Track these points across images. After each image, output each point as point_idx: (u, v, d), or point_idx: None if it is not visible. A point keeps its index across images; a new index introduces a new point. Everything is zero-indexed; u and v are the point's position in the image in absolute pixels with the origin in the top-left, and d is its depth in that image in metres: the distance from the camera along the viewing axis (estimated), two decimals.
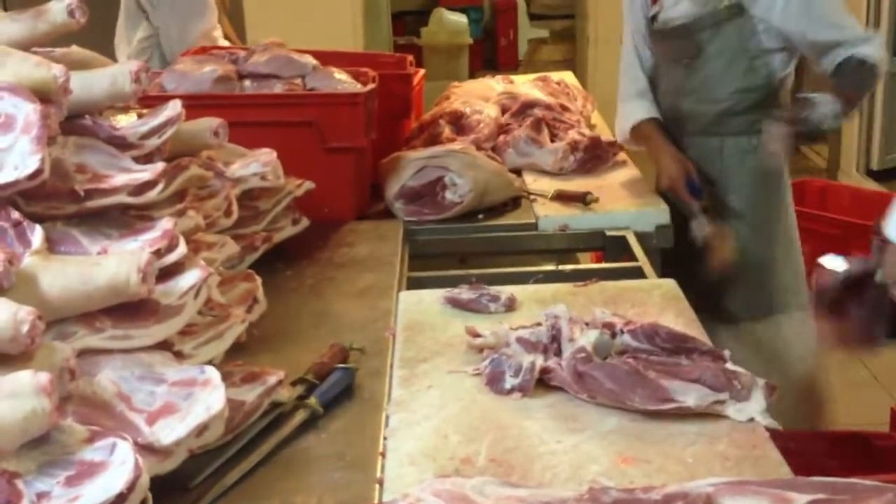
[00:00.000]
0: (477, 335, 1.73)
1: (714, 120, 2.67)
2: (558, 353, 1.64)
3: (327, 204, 2.41)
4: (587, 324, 1.68)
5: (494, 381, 1.61)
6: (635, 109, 2.79)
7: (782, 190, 2.72)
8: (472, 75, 7.63)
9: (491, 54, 9.61)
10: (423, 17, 9.07)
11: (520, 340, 1.67)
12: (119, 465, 1.13)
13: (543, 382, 1.60)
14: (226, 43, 3.83)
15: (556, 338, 1.65)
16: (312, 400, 1.56)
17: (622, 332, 1.64)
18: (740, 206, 2.66)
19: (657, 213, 2.50)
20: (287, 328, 1.89)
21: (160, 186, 1.54)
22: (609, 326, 1.65)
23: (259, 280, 1.83)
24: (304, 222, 2.28)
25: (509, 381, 1.60)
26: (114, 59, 3.83)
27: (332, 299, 2.04)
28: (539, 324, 1.71)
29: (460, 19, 8.91)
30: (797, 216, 3.99)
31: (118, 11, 4.02)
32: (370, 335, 1.84)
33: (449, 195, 2.51)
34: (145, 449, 1.25)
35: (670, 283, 2.00)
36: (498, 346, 1.68)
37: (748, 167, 2.67)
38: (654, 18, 2.72)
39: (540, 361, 1.62)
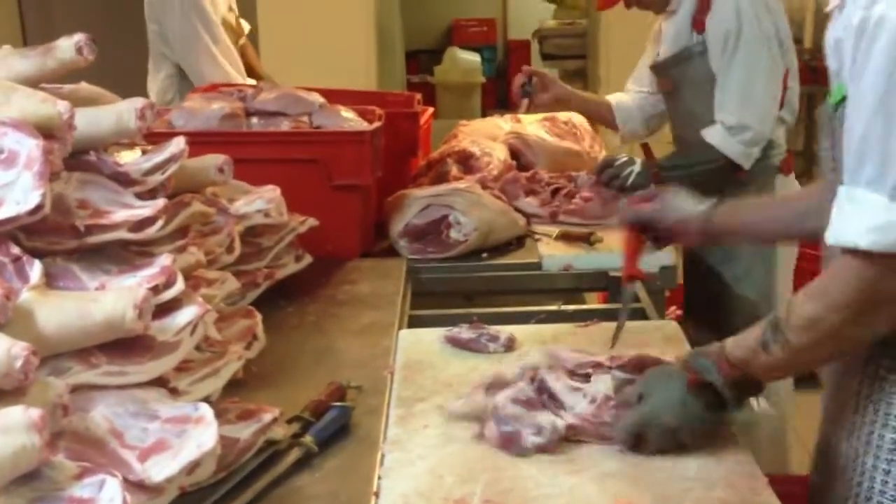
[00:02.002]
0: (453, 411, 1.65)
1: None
2: (558, 405, 1.61)
3: (331, 241, 2.42)
4: (572, 370, 1.66)
5: (510, 443, 1.53)
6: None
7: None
8: (485, 113, 7.67)
9: (504, 93, 9.65)
10: (436, 55, 9.14)
11: (516, 402, 1.59)
12: (107, 502, 1.13)
13: None
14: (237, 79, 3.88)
15: (542, 390, 1.62)
16: (307, 438, 1.55)
17: (611, 368, 1.64)
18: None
19: (661, 255, 2.48)
20: (287, 365, 1.89)
21: (160, 223, 1.55)
22: (598, 366, 1.65)
23: (259, 317, 1.83)
24: (307, 259, 2.28)
25: (531, 440, 1.53)
26: (133, 93, 3.92)
27: (332, 337, 2.04)
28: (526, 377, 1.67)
29: (473, 58, 8.98)
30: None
31: (132, 48, 4.11)
32: (369, 373, 1.84)
33: (453, 234, 2.52)
34: (136, 486, 1.24)
35: (672, 325, 2.00)
36: (476, 415, 1.61)
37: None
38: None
39: (560, 422, 1.56)
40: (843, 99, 1.36)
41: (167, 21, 3.86)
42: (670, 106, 2.90)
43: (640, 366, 1.63)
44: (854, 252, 1.31)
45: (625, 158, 2.84)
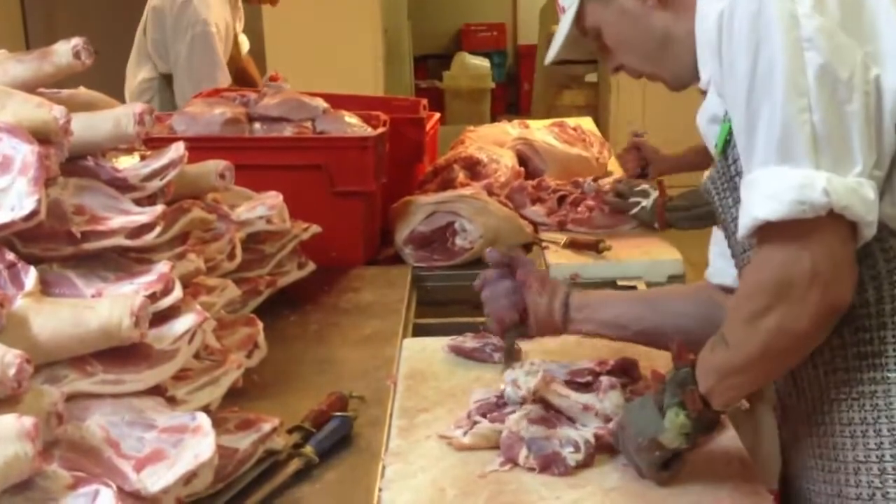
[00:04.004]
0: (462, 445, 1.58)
1: None
2: (572, 421, 1.59)
3: (335, 248, 2.39)
4: (568, 381, 1.65)
5: (552, 464, 1.49)
6: None
7: None
8: (494, 119, 7.65)
9: (513, 98, 9.65)
10: (445, 60, 9.13)
11: (534, 422, 1.55)
12: None
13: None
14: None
15: (549, 408, 1.60)
16: (308, 449, 1.53)
17: (600, 374, 1.66)
18: None
19: (670, 264, 2.47)
20: (288, 374, 1.86)
21: (158, 229, 1.52)
22: (592, 373, 1.65)
23: (260, 325, 1.81)
24: (311, 267, 2.26)
25: (572, 458, 1.49)
26: (122, 93, 3.93)
27: (335, 346, 2.02)
28: (500, 396, 1.64)
29: (483, 63, 8.96)
30: None
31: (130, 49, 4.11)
32: (372, 383, 1.81)
33: (459, 241, 2.50)
34: (132, 497, 1.22)
35: None
36: (489, 444, 1.56)
37: None
38: None
39: (589, 433, 1.54)
40: (730, 133, 1.35)
41: (173, 45, 3.85)
42: None
43: (623, 368, 1.65)
44: (758, 232, 1.28)
45: (641, 188, 2.75)
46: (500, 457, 1.52)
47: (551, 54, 1.65)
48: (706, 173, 1.47)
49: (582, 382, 1.66)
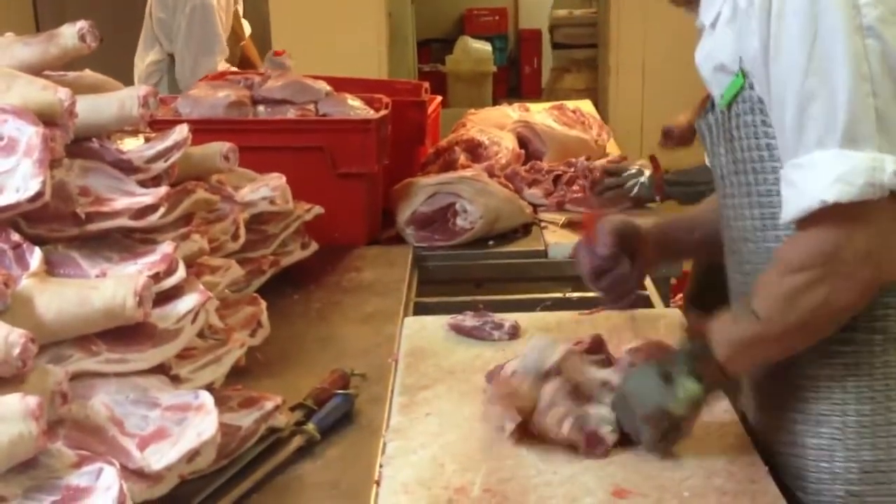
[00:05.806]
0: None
1: None
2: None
3: (338, 229, 2.42)
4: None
5: (595, 445, 1.48)
6: None
7: None
8: (496, 102, 7.65)
9: (514, 82, 9.65)
10: (448, 44, 9.13)
11: (568, 394, 1.52)
12: (104, 490, 1.13)
13: None
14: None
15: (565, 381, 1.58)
16: (310, 426, 1.55)
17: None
18: None
19: None
20: (291, 353, 1.89)
21: (162, 210, 1.54)
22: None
23: (263, 304, 1.83)
24: (314, 247, 2.28)
25: (612, 437, 1.49)
26: (132, 80, 3.97)
27: (337, 324, 2.04)
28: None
29: (484, 47, 8.97)
30: None
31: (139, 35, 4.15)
32: (373, 361, 1.83)
33: (460, 221, 2.52)
34: (135, 474, 1.24)
35: (675, 313, 1.99)
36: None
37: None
38: None
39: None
40: (741, 89, 1.35)
41: (174, 18, 3.88)
42: None
43: (598, 345, 1.65)
44: (814, 216, 1.28)
45: (634, 170, 2.76)
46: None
47: None
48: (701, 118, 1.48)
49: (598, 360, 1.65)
